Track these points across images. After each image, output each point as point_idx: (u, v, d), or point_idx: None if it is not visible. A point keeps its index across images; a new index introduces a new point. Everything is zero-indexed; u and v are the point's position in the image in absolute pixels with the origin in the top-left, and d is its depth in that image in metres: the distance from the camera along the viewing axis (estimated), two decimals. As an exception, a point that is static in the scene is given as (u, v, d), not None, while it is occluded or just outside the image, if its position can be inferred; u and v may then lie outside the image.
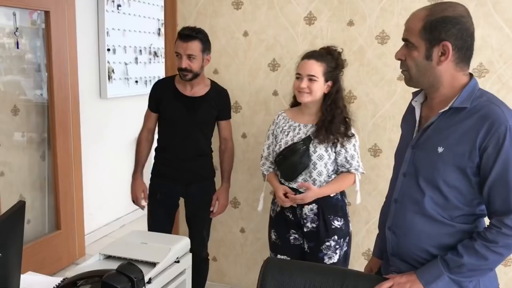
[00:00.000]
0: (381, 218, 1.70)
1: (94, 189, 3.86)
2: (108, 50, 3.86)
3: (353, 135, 2.23)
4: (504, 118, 1.33)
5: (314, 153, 2.18)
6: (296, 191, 2.21)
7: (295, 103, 2.35)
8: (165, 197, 2.65)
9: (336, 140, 2.18)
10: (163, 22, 4.54)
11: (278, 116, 2.37)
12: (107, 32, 3.83)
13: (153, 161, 2.72)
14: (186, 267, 1.98)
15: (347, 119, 2.24)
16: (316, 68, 2.16)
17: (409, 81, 1.49)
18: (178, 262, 1.90)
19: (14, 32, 3.09)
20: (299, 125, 2.27)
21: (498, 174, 1.34)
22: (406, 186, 1.50)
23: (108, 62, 3.88)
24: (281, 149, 2.25)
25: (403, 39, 1.45)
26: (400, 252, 1.53)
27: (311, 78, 2.16)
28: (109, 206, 4.14)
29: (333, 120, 2.18)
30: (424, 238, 1.46)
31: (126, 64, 4.10)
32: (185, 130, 2.56)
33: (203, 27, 2.81)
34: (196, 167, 2.62)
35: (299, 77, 2.20)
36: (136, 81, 4.26)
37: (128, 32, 4.11)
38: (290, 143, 2.23)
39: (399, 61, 1.49)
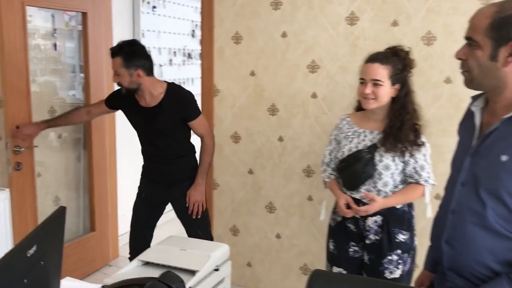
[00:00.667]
0: (435, 229, 1.59)
1: (127, 189, 3.85)
2: (143, 51, 3.85)
3: (423, 143, 2.04)
4: None
5: (380, 162, 2.02)
6: (358, 201, 2.07)
7: (360, 107, 2.19)
8: (150, 197, 2.71)
9: (404, 149, 2.01)
10: (197, 23, 4.54)
11: (342, 121, 2.23)
12: (143, 34, 3.83)
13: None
14: (226, 275, 1.92)
15: (417, 126, 2.06)
16: (381, 72, 2.00)
17: (469, 83, 1.37)
18: (217, 270, 1.84)
19: (52, 34, 3.11)
20: (364, 132, 2.12)
21: None
22: (464, 196, 1.39)
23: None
24: (344, 156, 2.11)
25: (466, 38, 1.34)
26: (457, 267, 1.42)
27: (375, 83, 2.00)
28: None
29: (401, 127, 2.01)
30: (485, 253, 1.35)
31: (160, 65, 4.09)
32: (151, 138, 2.62)
33: (240, 28, 2.78)
34: (174, 169, 2.64)
35: (363, 82, 2.05)
36: (170, 83, 4.24)
37: (162, 33, 4.10)
38: (354, 150, 2.09)
39: (459, 61, 1.38)
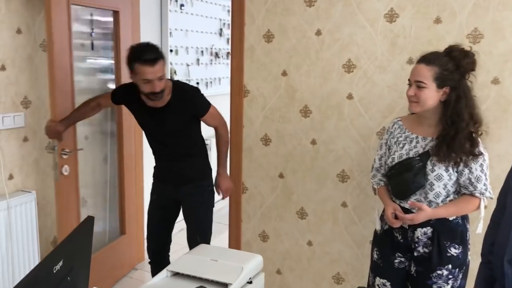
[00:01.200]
0: (487, 245, 1.45)
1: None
2: (171, 51, 3.78)
3: (480, 153, 1.88)
4: None
5: (432, 172, 1.89)
6: (408, 211, 1.94)
7: None
8: (160, 198, 2.69)
9: (459, 160, 1.86)
10: (225, 22, 4.45)
11: (394, 125, 2.09)
12: (170, 33, 3.76)
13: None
14: None
15: (474, 135, 1.89)
16: (425, 73, 1.85)
17: None
18: (250, 283, 1.74)
19: (90, 33, 3.05)
20: (416, 137, 1.98)
21: None
22: None
23: (171, 63, 3.80)
24: (394, 162, 1.99)
25: None
26: None
27: (418, 85, 1.87)
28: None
29: (456, 136, 1.85)
30: None
31: (188, 65, 4.02)
32: (161, 138, 2.56)
33: (272, 26, 2.67)
34: (183, 168, 2.59)
35: (409, 83, 1.93)
36: (197, 83, 4.16)
37: (190, 32, 4.02)
38: (404, 157, 1.96)
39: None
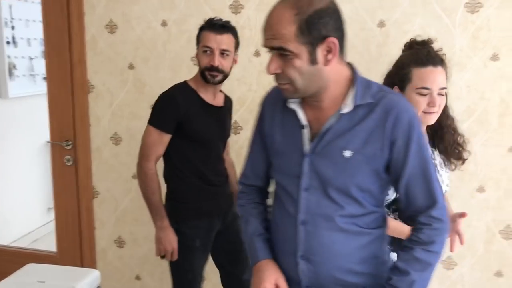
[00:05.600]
0: (282, 246, 1.37)
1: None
2: (8, 42, 3.37)
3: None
4: (406, 106, 1.24)
5: (442, 183, 1.65)
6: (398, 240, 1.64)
7: None
8: (206, 241, 2.09)
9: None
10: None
11: None
12: (6, 23, 3.33)
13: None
14: (96, 306, 1.64)
15: (461, 136, 1.71)
16: (444, 77, 1.59)
17: (294, 94, 1.24)
18: (83, 301, 1.56)
19: None
20: None
21: (414, 167, 1.23)
22: (313, 202, 1.27)
23: (9, 56, 3.39)
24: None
25: (273, 48, 1.18)
26: (319, 282, 1.30)
27: (441, 92, 1.58)
28: (19, 218, 3.64)
29: (453, 134, 1.68)
30: (346, 257, 1.28)
31: (31, 58, 3.61)
32: (217, 150, 2.10)
33: (114, 15, 2.49)
34: (228, 191, 2.18)
35: (427, 92, 1.56)
36: (45, 78, 3.77)
37: (32, 22, 3.62)
38: None
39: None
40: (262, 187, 1.49)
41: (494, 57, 2.16)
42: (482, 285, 2.37)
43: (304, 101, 1.28)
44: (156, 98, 2.10)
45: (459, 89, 2.21)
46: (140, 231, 2.68)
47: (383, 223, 1.34)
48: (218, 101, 2.09)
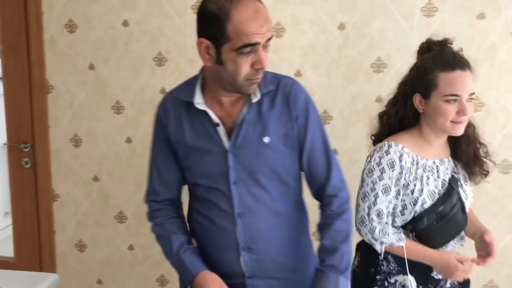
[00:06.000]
0: (217, 242, 1.39)
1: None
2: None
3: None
4: (300, 86, 1.37)
5: (466, 200, 1.54)
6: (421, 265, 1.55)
7: (390, 127, 1.57)
8: None
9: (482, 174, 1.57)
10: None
11: (401, 155, 1.49)
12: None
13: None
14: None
15: (482, 143, 1.59)
16: (472, 82, 1.46)
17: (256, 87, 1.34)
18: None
19: None
20: (434, 163, 1.53)
21: (313, 140, 1.35)
22: (245, 194, 1.33)
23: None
24: (425, 204, 1.50)
25: (269, 39, 1.27)
26: (260, 269, 1.37)
27: (468, 99, 1.45)
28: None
29: (471, 148, 1.55)
30: (283, 239, 1.37)
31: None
32: None
33: (74, 15, 2.44)
34: None
35: (456, 99, 1.43)
36: (1, 78, 3.66)
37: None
38: (436, 194, 1.50)
39: None
40: (175, 198, 1.49)
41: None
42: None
43: (210, 100, 1.33)
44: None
45: None
46: (102, 235, 2.63)
47: (301, 200, 1.46)
48: None
